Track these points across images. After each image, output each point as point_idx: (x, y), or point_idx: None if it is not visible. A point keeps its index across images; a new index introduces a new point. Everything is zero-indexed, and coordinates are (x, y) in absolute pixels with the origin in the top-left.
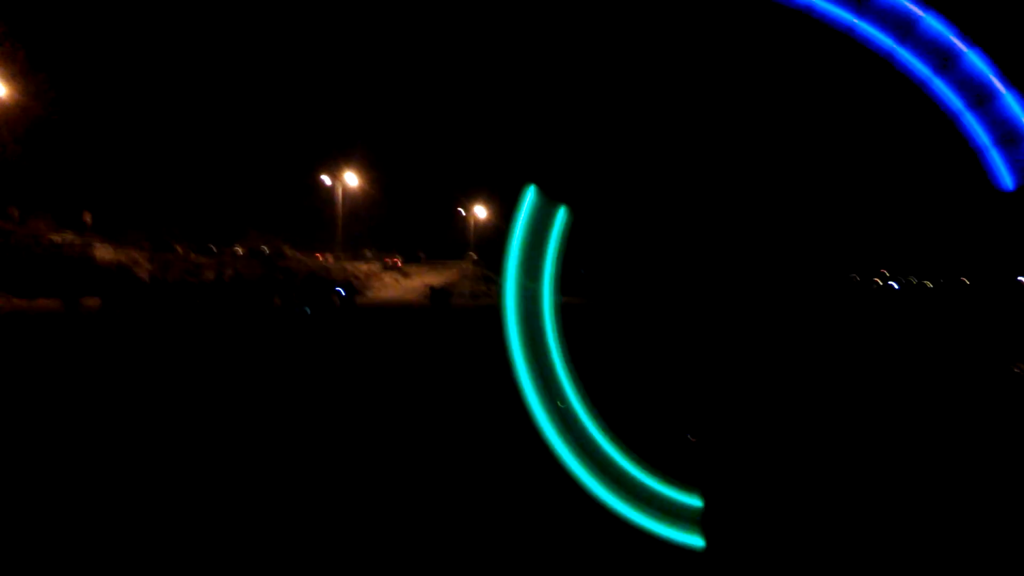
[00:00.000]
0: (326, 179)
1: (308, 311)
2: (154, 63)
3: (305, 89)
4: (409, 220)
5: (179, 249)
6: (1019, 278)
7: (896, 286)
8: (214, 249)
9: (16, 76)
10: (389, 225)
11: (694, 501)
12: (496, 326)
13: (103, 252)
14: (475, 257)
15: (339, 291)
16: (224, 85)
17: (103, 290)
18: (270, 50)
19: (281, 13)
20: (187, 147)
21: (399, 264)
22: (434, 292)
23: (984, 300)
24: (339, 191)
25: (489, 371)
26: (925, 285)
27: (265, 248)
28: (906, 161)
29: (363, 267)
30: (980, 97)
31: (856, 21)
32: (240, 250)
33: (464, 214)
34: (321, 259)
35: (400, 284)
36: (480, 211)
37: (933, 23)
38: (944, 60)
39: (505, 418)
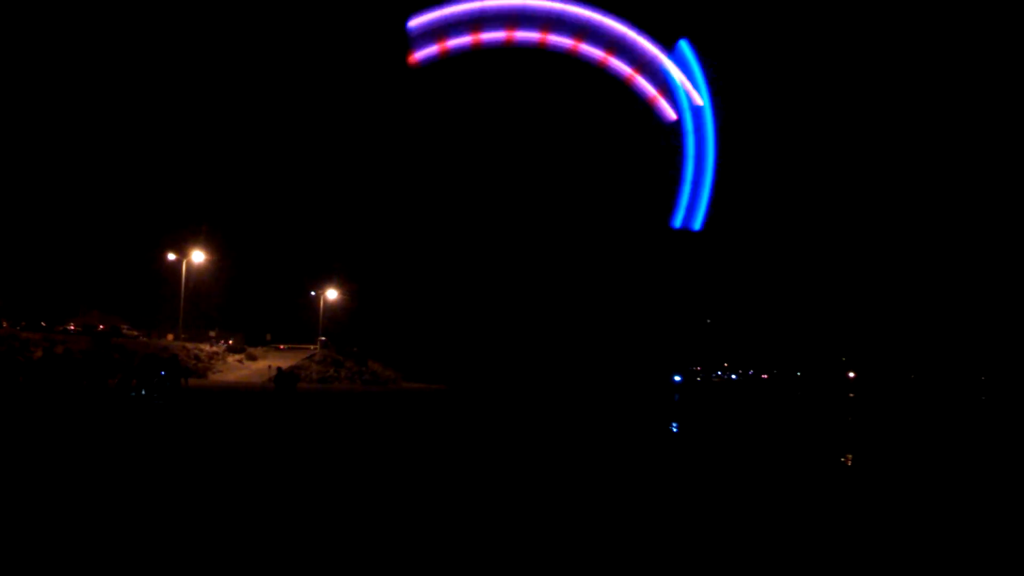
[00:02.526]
0: (171, 256)
1: (143, 393)
2: None
3: (152, 166)
4: (258, 302)
5: (4, 324)
6: (848, 373)
7: (735, 377)
8: (44, 325)
9: None
10: (237, 306)
11: None
12: (345, 411)
13: None
14: (324, 340)
15: (162, 373)
16: (65, 156)
17: None
18: (120, 119)
19: (139, 82)
20: (22, 218)
21: (231, 344)
22: (280, 375)
23: (813, 391)
24: (184, 269)
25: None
26: (761, 377)
27: (101, 326)
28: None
29: (206, 348)
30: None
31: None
32: (73, 327)
33: (315, 297)
34: (164, 339)
35: (245, 366)
36: (331, 294)
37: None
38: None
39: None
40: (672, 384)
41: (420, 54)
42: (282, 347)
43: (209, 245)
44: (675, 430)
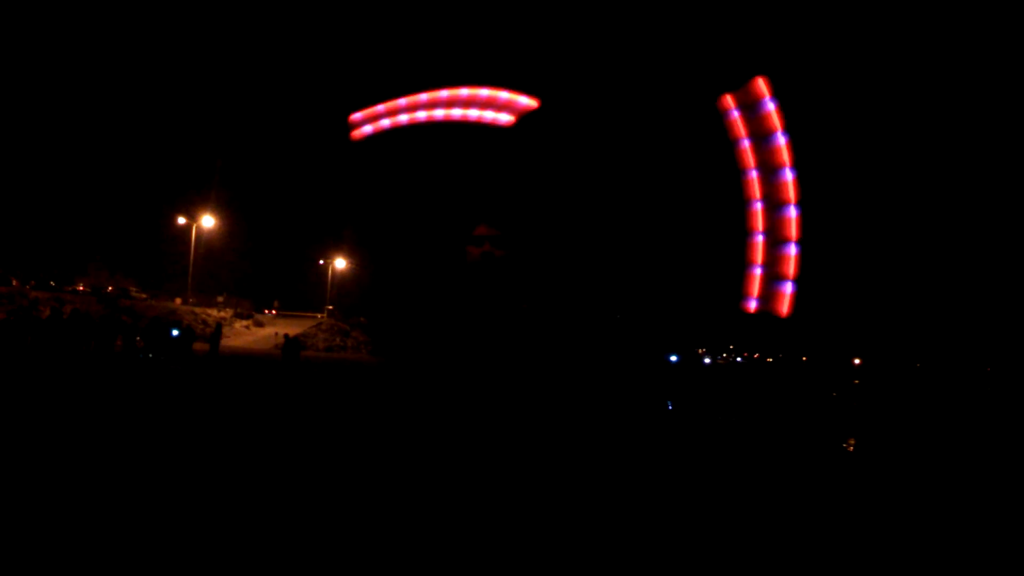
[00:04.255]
0: (181, 220)
1: (151, 356)
2: None
3: (165, 127)
4: (267, 269)
5: (15, 282)
6: (854, 360)
7: (740, 360)
8: (53, 285)
9: None
10: (246, 273)
11: None
12: (351, 380)
13: None
14: (332, 309)
15: (173, 334)
16: (74, 113)
17: None
18: (131, 79)
19: (144, 41)
20: (33, 177)
21: (238, 310)
22: (287, 342)
23: (817, 376)
24: (193, 233)
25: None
26: (766, 361)
27: (109, 287)
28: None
29: (214, 313)
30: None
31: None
32: (82, 287)
33: (323, 265)
34: (173, 302)
35: (252, 333)
36: (340, 263)
37: None
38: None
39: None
40: (667, 364)
41: (358, 133)
42: (289, 314)
43: (220, 210)
44: (669, 408)
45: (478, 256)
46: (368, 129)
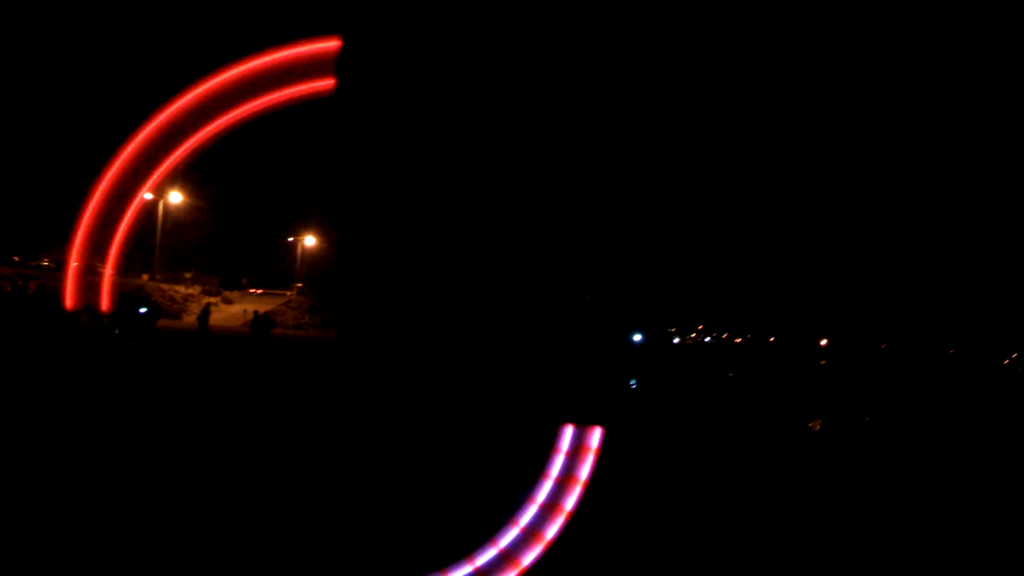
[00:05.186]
0: (148, 196)
1: (116, 332)
2: None
3: (129, 100)
4: (236, 245)
5: None
6: (820, 341)
7: (708, 340)
8: (16, 260)
9: None
10: (214, 249)
11: None
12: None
13: None
14: (301, 286)
15: (140, 312)
16: (36, 88)
17: None
18: (88, 50)
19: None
20: None
21: (207, 287)
22: (256, 319)
23: (784, 356)
24: (160, 209)
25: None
26: (734, 341)
27: (75, 263)
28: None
29: (181, 290)
30: None
31: None
32: (47, 262)
33: (293, 242)
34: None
35: (221, 310)
36: (309, 240)
37: None
38: None
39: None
40: (630, 344)
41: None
42: (259, 292)
43: (187, 185)
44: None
45: (424, 236)
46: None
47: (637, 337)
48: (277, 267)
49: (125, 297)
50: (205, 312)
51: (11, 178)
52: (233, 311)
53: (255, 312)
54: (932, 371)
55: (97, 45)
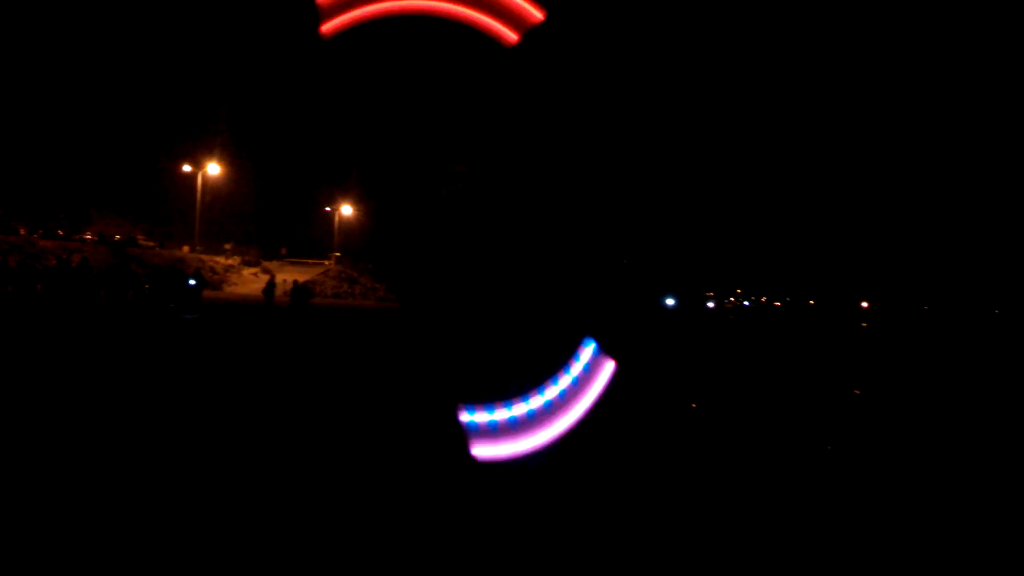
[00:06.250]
0: (187, 168)
1: (163, 304)
2: None
3: (169, 72)
4: (274, 216)
5: (22, 232)
6: (861, 303)
7: (747, 304)
8: (61, 234)
9: None
10: (252, 220)
11: None
12: (357, 326)
13: None
14: (339, 255)
15: (190, 284)
16: (78, 60)
17: None
18: (132, 27)
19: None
20: (38, 126)
21: (246, 257)
22: (295, 289)
23: (825, 320)
24: (199, 181)
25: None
26: (774, 305)
27: (117, 235)
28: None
29: (222, 261)
30: None
31: None
32: (89, 236)
33: (330, 212)
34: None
35: (260, 280)
36: (346, 210)
37: None
38: None
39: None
40: (663, 309)
41: (329, 27)
42: (297, 261)
43: (225, 156)
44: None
45: (447, 194)
46: (342, 19)
47: (670, 301)
48: (315, 236)
49: (173, 271)
50: (271, 285)
51: (52, 154)
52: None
53: (295, 282)
54: (976, 330)
55: (128, 35)
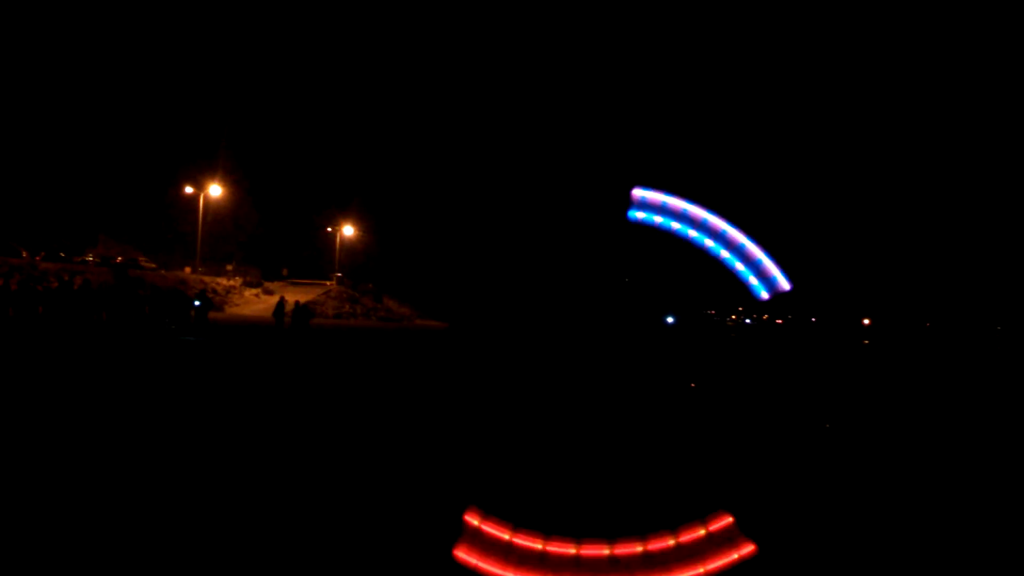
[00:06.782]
0: (189, 189)
1: (172, 327)
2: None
3: (171, 96)
4: (275, 237)
5: (24, 254)
6: (863, 320)
7: (749, 322)
8: (63, 256)
9: None
10: (254, 241)
11: None
12: (357, 346)
13: None
14: (340, 276)
15: (196, 304)
16: (81, 84)
17: None
18: (139, 47)
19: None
20: (40, 148)
21: (248, 278)
22: (297, 309)
23: (827, 336)
24: (201, 202)
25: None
26: (775, 322)
27: (119, 257)
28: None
29: (223, 282)
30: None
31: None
32: (91, 258)
33: (331, 232)
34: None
35: (262, 300)
36: (348, 230)
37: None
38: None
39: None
40: (663, 326)
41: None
42: (298, 282)
43: (227, 178)
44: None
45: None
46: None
47: (669, 319)
48: (316, 257)
49: (175, 292)
50: (280, 306)
51: (54, 177)
52: (274, 301)
53: (296, 302)
54: (978, 347)
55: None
